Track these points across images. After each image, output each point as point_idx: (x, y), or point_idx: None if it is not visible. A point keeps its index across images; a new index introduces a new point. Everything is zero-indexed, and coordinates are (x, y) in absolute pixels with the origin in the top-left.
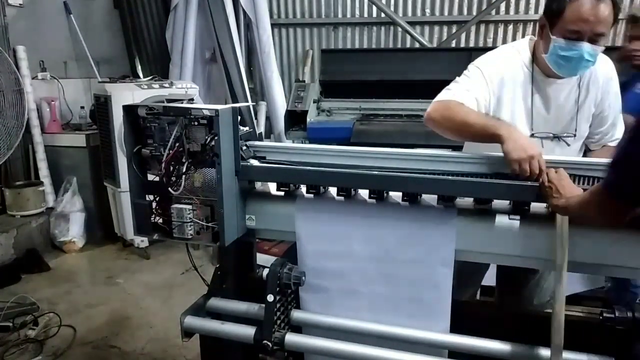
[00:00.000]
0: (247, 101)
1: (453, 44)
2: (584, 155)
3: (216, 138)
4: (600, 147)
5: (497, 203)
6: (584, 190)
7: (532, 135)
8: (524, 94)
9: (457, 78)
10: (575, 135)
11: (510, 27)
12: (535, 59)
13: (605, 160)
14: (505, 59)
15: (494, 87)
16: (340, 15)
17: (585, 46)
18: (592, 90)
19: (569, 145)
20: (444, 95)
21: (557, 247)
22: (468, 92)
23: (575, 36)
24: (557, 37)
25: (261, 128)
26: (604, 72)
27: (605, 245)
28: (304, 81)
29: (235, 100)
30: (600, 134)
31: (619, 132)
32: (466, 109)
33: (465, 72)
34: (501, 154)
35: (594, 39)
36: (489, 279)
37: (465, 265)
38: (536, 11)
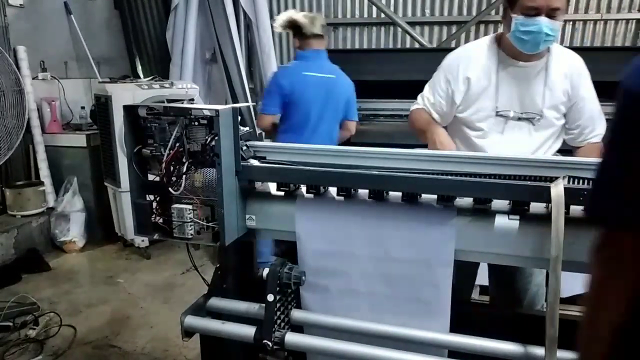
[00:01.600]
0: (247, 101)
1: (453, 44)
2: (569, 154)
3: (216, 138)
4: (584, 144)
5: (497, 203)
6: None
7: (497, 113)
8: (489, 74)
9: (426, 85)
10: (541, 116)
11: None
12: (500, 44)
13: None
14: (469, 46)
15: (458, 73)
16: (340, 16)
17: (544, 20)
18: (559, 77)
19: (534, 125)
20: (413, 106)
21: (552, 238)
22: (429, 100)
23: (533, 12)
24: (517, 14)
25: None
26: (574, 66)
27: None
28: None
29: (235, 100)
30: (579, 128)
31: (601, 128)
32: (422, 119)
33: (434, 75)
34: (501, 155)
35: (551, 14)
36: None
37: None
38: None
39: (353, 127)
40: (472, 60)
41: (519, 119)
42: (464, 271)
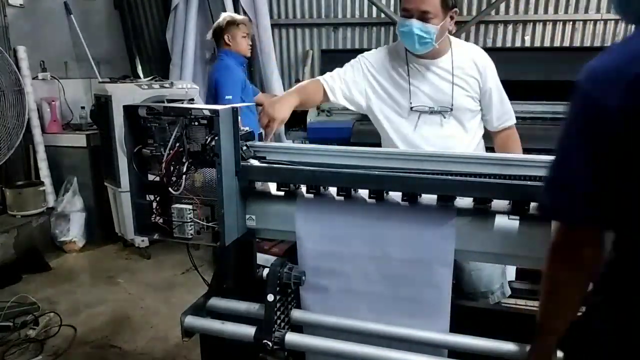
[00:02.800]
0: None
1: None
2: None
3: (216, 138)
4: (500, 129)
5: (497, 203)
6: None
7: (411, 109)
8: (400, 74)
9: (346, 64)
10: (452, 109)
11: (510, 27)
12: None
13: None
14: (383, 50)
15: (373, 71)
16: (340, 16)
17: (414, 22)
18: (467, 67)
19: (445, 117)
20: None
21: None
22: (337, 76)
23: (407, 14)
24: (400, 17)
25: (259, 128)
26: (479, 57)
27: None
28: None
29: None
30: (493, 113)
31: (512, 113)
32: (303, 85)
33: (352, 60)
34: (502, 155)
35: (422, 17)
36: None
37: None
38: (536, 11)
39: None
40: (384, 65)
41: (431, 112)
42: None
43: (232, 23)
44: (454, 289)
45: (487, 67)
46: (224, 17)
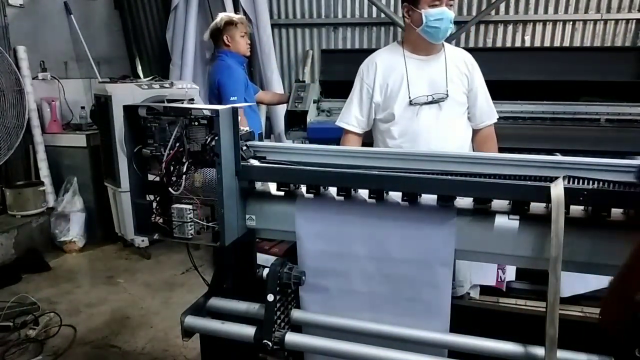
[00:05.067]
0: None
1: (453, 44)
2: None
3: (216, 138)
4: (481, 127)
5: (497, 203)
6: None
7: (410, 102)
8: (399, 71)
9: (349, 102)
10: (447, 95)
11: (510, 27)
12: (403, 45)
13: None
14: (379, 53)
15: (374, 76)
16: (340, 16)
17: (446, 10)
18: (458, 63)
19: (441, 108)
20: (339, 121)
21: (552, 238)
22: (351, 114)
23: (437, 3)
24: (425, 9)
25: (261, 128)
26: (468, 57)
27: (604, 245)
28: (304, 81)
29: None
30: (476, 110)
31: (493, 113)
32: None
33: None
34: (502, 155)
35: (449, 3)
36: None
37: None
38: (536, 11)
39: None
40: (384, 66)
41: (429, 102)
42: None
43: (230, 23)
44: None
45: (475, 68)
46: (221, 17)
